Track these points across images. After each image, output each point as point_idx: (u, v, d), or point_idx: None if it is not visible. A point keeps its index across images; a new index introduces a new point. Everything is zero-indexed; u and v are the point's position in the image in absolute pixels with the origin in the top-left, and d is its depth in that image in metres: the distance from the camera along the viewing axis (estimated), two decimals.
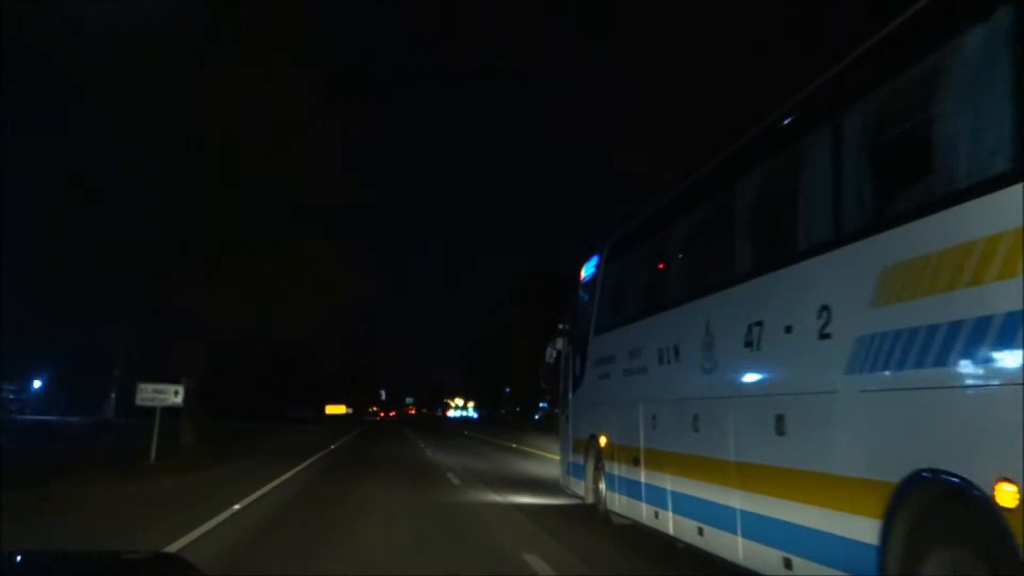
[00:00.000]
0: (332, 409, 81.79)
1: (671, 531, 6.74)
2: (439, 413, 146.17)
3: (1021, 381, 3.02)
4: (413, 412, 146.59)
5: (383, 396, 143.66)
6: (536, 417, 55.09)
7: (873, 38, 4.37)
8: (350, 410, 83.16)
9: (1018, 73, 3.23)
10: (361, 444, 29.87)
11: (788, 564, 4.71)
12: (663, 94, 31.76)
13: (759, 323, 5.19)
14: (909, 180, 4.03)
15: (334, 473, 15.79)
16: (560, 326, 10.97)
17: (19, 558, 2.43)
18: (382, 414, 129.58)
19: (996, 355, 3.17)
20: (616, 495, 8.31)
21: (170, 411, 15.52)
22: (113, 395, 38.32)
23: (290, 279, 18.81)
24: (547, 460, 18.89)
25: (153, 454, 14.53)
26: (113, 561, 2.54)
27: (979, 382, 3.28)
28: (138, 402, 15.10)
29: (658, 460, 7.08)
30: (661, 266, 7.68)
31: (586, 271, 9.97)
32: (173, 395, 15.05)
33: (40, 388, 45.92)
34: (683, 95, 26.90)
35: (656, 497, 7.08)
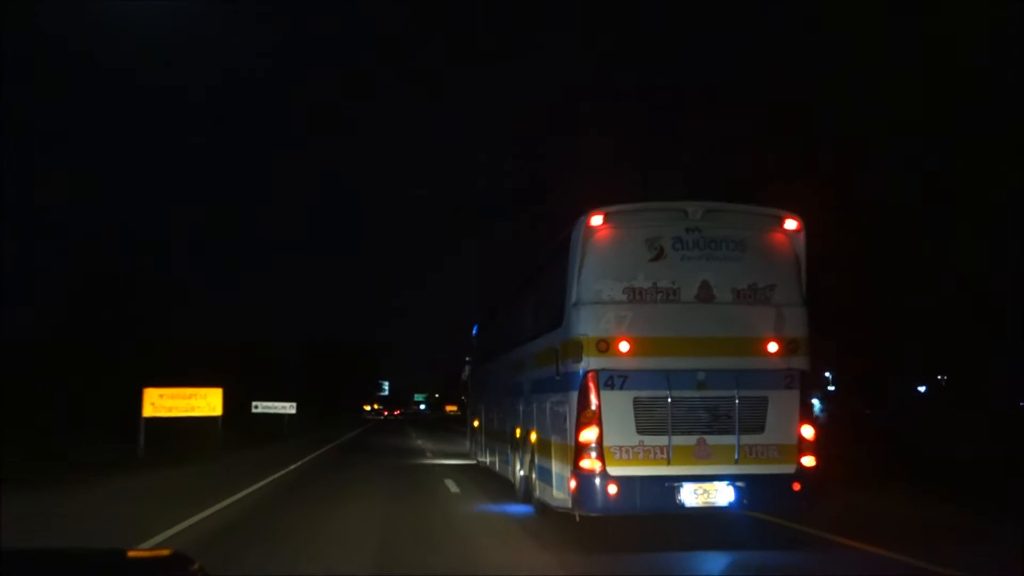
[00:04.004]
0: (160, 402, 21.08)
1: (488, 464, 14.59)
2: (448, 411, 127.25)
3: (517, 404, 10.77)
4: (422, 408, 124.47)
5: (385, 390, 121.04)
6: None
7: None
8: (287, 407, 32.46)
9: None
10: None
11: (504, 470, 12.55)
12: None
13: (499, 373, 13.00)
14: (513, 338, 11.98)
15: None
16: (467, 358, 18.86)
17: (19, 556, 2.30)
18: (386, 412, 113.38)
19: (519, 398, 10.85)
20: (479, 452, 16.17)
21: None
22: None
23: None
24: None
25: None
26: (115, 558, 2.51)
27: (521, 403, 11.00)
28: None
29: (484, 431, 14.96)
30: (488, 339, 15.63)
31: (474, 330, 17.81)
32: None
33: None
34: None
35: (485, 449, 14.94)
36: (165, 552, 2.86)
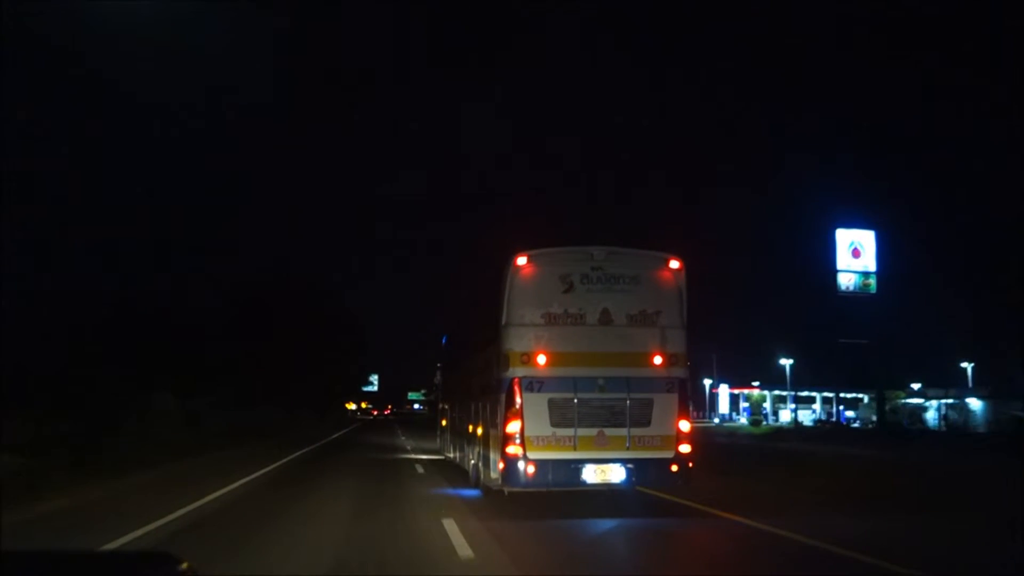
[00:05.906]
0: None
1: (452, 458, 16.71)
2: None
3: (470, 405, 12.92)
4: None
5: (374, 385, 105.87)
6: None
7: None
8: None
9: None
10: None
11: (463, 461, 14.67)
12: None
13: (458, 379, 15.12)
14: (468, 349, 14.12)
15: None
16: (437, 365, 21.01)
17: (13, 559, 2.30)
18: (375, 412, 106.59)
19: (480, 400, 12.98)
20: (446, 447, 18.30)
21: None
22: None
23: None
24: None
25: None
26: (105, 560, 2.51)
27: (472, 404, 13.13)
28: None
29: (448, 429, 17.11)
30: (452, 349, 17.80)
31: (443, 340, 19.94)
32: None
33: None
34: None
35: (450, 445, 17.08)
36: (154, 552, 2.75)
